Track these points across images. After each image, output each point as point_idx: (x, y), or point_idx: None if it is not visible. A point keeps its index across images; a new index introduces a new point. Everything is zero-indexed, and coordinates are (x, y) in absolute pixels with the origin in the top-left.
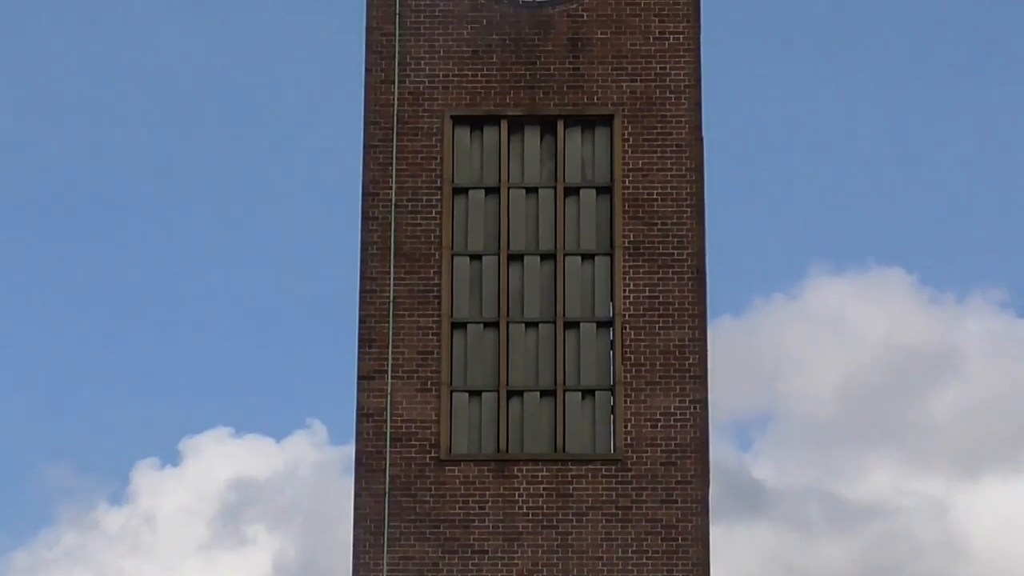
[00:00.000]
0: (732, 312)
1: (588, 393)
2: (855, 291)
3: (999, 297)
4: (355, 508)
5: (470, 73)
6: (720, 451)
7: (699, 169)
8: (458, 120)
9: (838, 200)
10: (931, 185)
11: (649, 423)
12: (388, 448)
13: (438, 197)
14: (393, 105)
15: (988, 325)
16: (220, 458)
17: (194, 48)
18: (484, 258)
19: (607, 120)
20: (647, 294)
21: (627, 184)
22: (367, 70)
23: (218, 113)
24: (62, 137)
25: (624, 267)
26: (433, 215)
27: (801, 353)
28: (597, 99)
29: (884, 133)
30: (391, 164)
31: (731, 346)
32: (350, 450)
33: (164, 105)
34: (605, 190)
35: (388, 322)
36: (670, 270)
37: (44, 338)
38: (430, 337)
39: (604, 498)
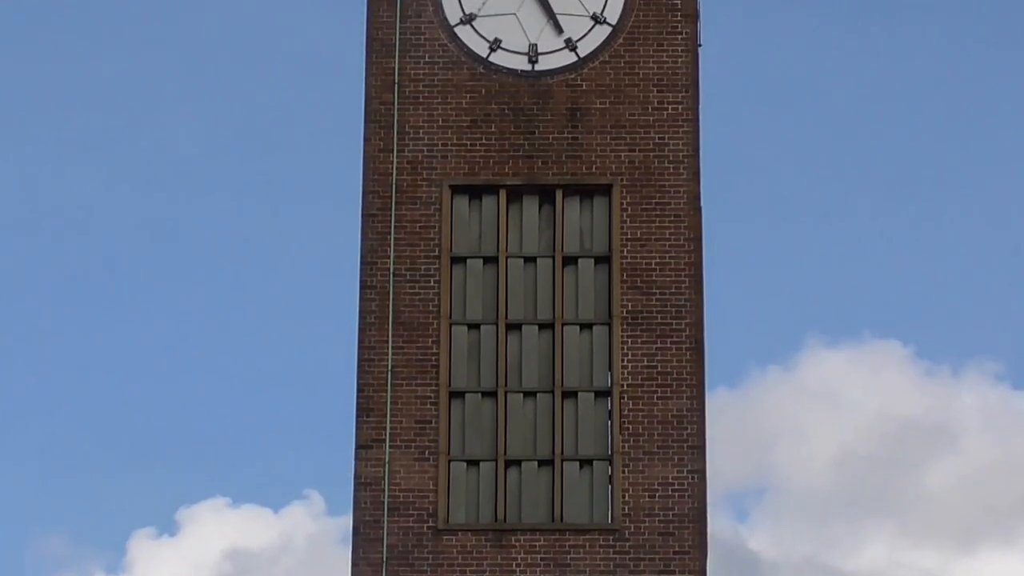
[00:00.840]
0: (728, 384)
1: (586, 463)
2: (851, 363)
3: (995, 369)
4: None
5: (469, 142)
6: (716, 522)
7: (697, 239)
8: (457, 189)
9: (835, 272)
10: (927, 258)
11: (647, 493)
12: (386, 517)
13: (436, 266)
14: (392, 174)
15: (984, 397)
16: (217, 528)
17: (195, 116)
18: (482, 327)
19: (606, 189)
20: (645, 363)
21: (625, 253)
22: (366, 139)
23: (218, 180)
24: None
25: (622, 336)
26: (431, 284)
27: (797, 425)
28: (596, 168)
29: (881, 206)
30: (390, 233)
31: (727, 418)
32: (347, 521)
33: (162, 173)
34: (604, 259)
35: (386, 391)
36: (668, 340)
37: (40, 408)
38: (428, 406)
39: (602, 568)
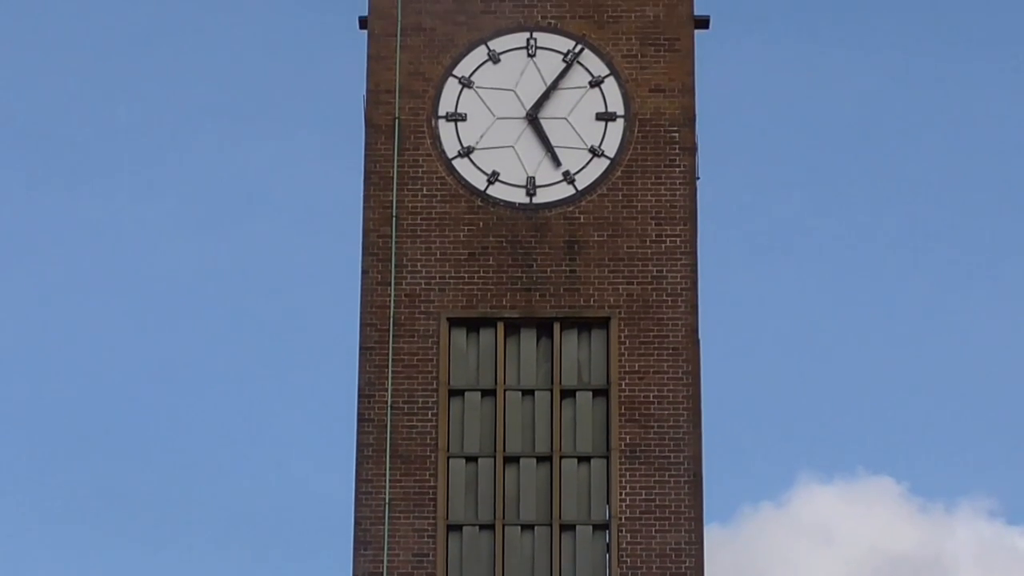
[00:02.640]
0: (720, 520)
1: None
2: (844, 499)
3: (989, 506)
4: None
5: (467, 275)
6: None
7: (696, 372)
8: (454, 322)
9: (828, 408)
10: (921, 395)
11: None
12: None
13: (434, 399)
14: (390, 307)
15: (978, 533)
16: None
17: (194, 252)
18: (480, 460)
19: (603, 323)
20: (643, 497)
21: (624, 387)
22: (364, 272)
23: (217, 316)
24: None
25: (621, 470)
26: (429, 417)
27: (790, 561)
28: (594, 301)
29: (874, 343)
30: (387, 366)
31: (720, 554)
32: None
33: (160, 314)
34: (602, 392)
35: (383, 524)
36: (667, 473)
37: (37, 552)
38: (426, 539)
39: None
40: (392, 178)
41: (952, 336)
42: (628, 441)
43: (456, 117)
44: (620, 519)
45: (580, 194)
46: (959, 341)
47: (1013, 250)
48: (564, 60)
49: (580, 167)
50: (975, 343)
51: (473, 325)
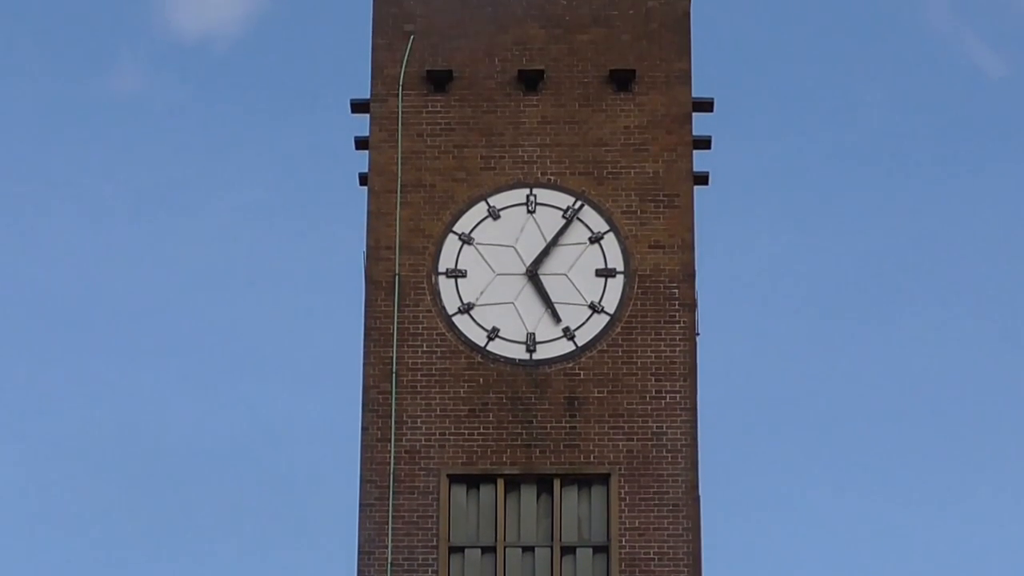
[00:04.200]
0: None
1: None
2: None
3: None
4: None
5: (467, 431)
6: None
7: (696, 529)
8: (455, 479)
9: (827, 565)
10: (921, 546)
11: None
12: None
13: (434, 556)
14: (389, 464)
15: None
16: None
17: (196, 414)
18: None
19: (604, 479)
20: None
21: (624, 543)
22: (363, 428)
23: (215, 475)
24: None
25: None
26: (429, 574)
27: None
28: (594, 458)
29: (875, 505)
30: (387, 523)
31: None
32: None
33: (159, 469)
34: (602, 549)
35: None
36: None
37: None
38: None
39: None
40: (392, 334)
41: (953, 525)
42: None
43: (456, 273)
44: None
45: (580, 350)
46: (959, 530)
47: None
48: (564, 216)
49: (580, 323)
50: (962, 531)
51: (473, 482)
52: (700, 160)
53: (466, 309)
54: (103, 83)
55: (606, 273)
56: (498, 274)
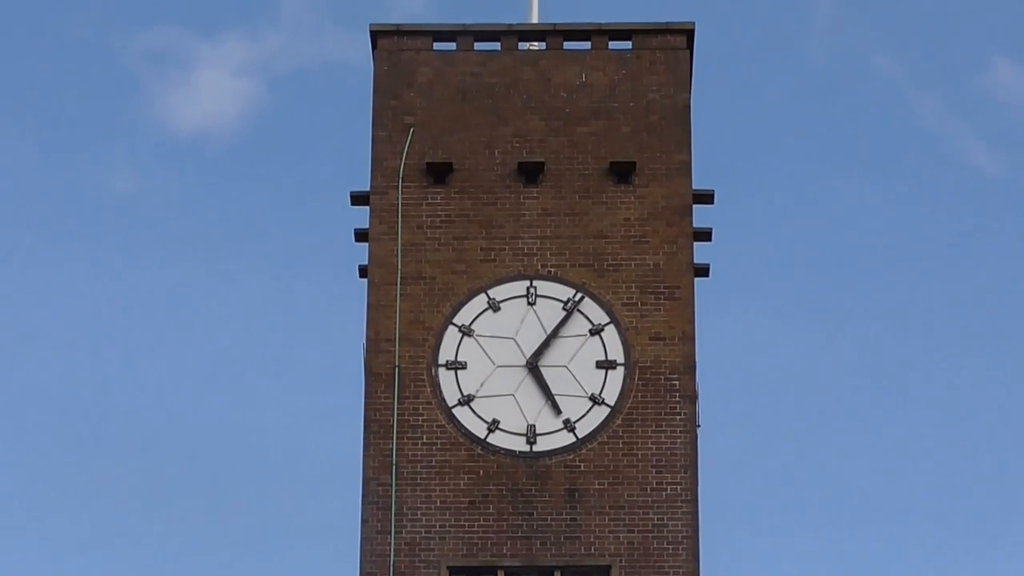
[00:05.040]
0: None
1: None
2: None
3: None
4: None
5: (467, 523)
6: None
7: None
8: (455, 571)
9: None
10: None
11: None
12: None
13: None
14: (390, 556)
15: None
16: None
17: (196, 515)
18: None
19: (604, 571)
20: None
21: None
22: (363, 521)
23: (215, 552)
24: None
25: None
26: None
27: None
28: (594, 549)
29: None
30: None
31: None
32: None
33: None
34: None
35: None
36: None
37: None
38: None
39: None
40: (392, 426)
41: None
42: None
43: (456, 365)
44: None
45: (580, 442)
46: None
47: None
48: (564, 308)
49: (580, 415)
50: None
51: (474, 574)
52: (700, 252)
53: (466, 401)
54: (100, 181)
55: (607, 365)
56: (498, 366)
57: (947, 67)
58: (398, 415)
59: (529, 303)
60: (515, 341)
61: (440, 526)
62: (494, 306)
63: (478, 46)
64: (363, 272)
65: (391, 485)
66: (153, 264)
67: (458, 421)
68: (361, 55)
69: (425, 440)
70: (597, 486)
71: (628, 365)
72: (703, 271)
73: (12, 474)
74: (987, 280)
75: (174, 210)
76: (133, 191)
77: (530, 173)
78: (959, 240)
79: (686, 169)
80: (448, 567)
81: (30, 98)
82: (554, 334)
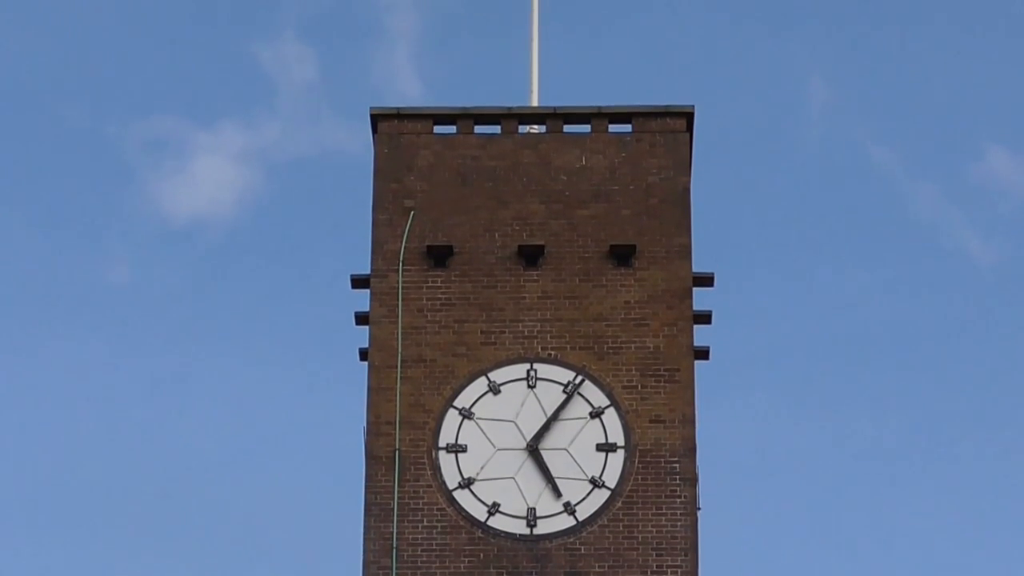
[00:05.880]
0: None
1: None
2: None
3: None
4: None
5: None
6: None
7: None
8: None
9: None
10: None
11: None
12: None
13: None
14: None
15: None
16: None
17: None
18: None
19: None
20: None
21: None
22: None
23: None
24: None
25: None
26: None
27: None
28: None
29: None
30: None
31: None
32: None
33: None
34: None
35: None
36: None
37: None
38: None
39: None
40: (392, 510)
41: None
42: None
43: (457, 448)
44: None
45: (581, 525)
46: None
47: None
48: (564, 391)
49: (581, 498)
50: None
51: None
52: (700, 335)
53: (467, 484)
54: (96, 271)
55: (607, 448)
56: (499, 449)
57: (941, 155)
58: (398, 498)
59: (529, 386)
60: (515, 424)
61: None
62: (494, 389)
63: (478, 129)
64: (363, 355)
65: (391, 568)
66: (151, 354)
67: (458, 504)
68: (359, 141)
69: (425, 523)
70: (598, 569)
71: (628, 448)
72: (703, 354)
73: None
74: (982, 368)
75: (172, 299)
76: (130, 281)
77: (530, 256)
78: (954, 328)
79: (686, 252)
80: None
81: (25, 186)
82: (554, 417)
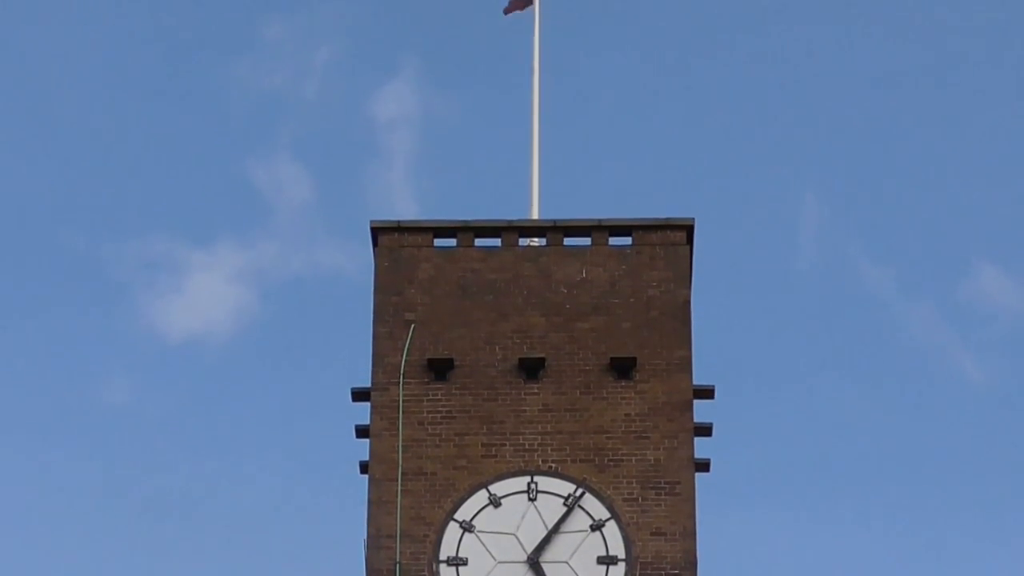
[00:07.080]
0: None
1: None
2: None
3: None
4: None
5: None
6: None
7: None
8: None
9: None
10: None
11: None
12: None
13: None
14: None
15: None
16: None
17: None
18: None
19: None
20: None
21: None
22: None
23: None
24: None
25: None
26: None
27: None
28: None
29: None
30: None
31: None
32: None
33: None
34: None
35: None
36: None
37: None
38: None
39: None
40: None
41: None
42: None
43: (457, 562)
44: None
45: None
46: None
47: None
48: (565, 504)
49: None
50: None
51: None
52: (701, 447)
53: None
54: (92, 393)
55: (608, 561)
56: (499, 562)
57: (932, 274)
58: None
59: (530, 499)
60: (516, 537)
61: None
62: (495, 502)
63: (479, 242)
64: (364, 468)
65: None
66: (150, 471)
67: None
68: (356, 257)
69: None
70: None
71: (629, 561)
72: (704, 466)
73: None
74: (979, 485)
75: (170, 418)
76: (127, 402)
77: (531, 369)
78: (950, 446)
79: (686, 364)
80: None
81: (21, 310)
82: (555, 530)
